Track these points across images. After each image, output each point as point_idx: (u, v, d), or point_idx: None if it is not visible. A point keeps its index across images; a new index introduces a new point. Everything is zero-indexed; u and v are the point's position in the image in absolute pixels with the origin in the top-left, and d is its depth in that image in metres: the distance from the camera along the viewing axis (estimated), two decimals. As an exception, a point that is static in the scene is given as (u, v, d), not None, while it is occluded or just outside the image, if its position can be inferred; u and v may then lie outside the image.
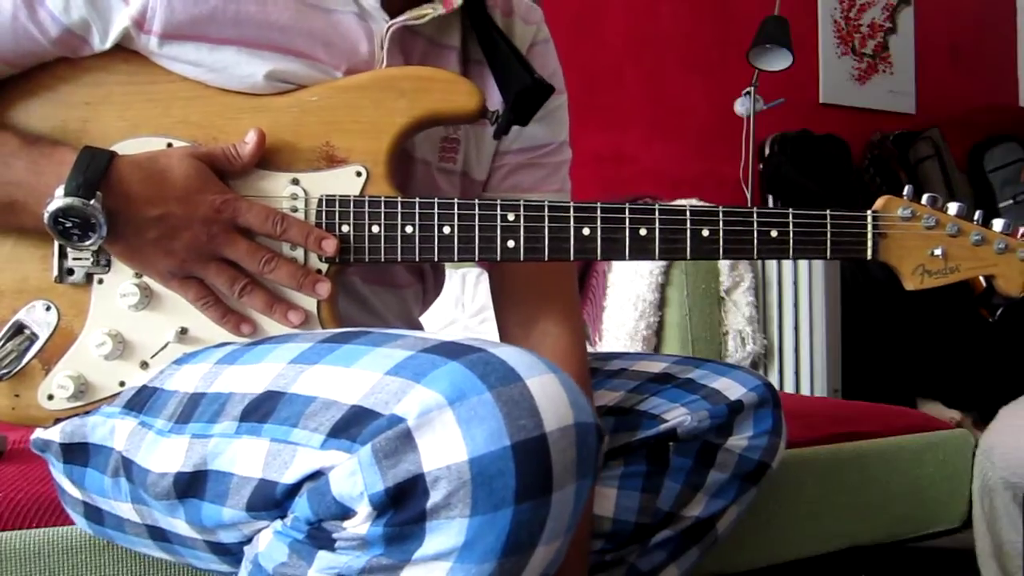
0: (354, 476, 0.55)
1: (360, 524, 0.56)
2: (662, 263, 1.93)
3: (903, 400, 2.43)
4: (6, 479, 0.92)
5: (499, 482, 0.53)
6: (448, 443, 0.53)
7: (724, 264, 2.03)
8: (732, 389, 0.90)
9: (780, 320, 2.14)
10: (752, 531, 1.20)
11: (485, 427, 0.53)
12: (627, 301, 1.94)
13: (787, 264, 2.15)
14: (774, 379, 2.14)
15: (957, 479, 1.43)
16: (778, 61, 2.66)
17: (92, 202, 0.69)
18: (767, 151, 3.06)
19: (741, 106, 2.81)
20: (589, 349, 1.00)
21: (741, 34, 2.80)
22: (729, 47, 2.99)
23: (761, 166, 3.07)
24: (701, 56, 3.07)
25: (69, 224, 0.69)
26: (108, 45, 0.76)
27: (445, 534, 0.54)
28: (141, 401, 0.73)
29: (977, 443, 1.41)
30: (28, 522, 0.85)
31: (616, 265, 2.01)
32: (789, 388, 2.13)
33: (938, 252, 0.83)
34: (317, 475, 0.58)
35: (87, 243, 0.71)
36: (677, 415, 0.88)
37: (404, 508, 0.54)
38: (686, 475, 0.90)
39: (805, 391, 2.13)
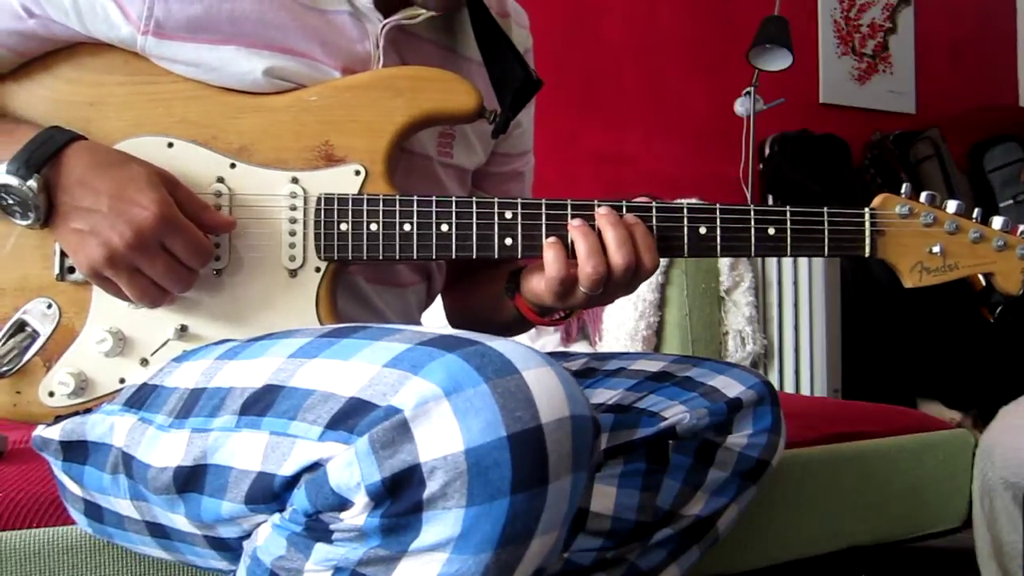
0: (351, 467, 0.55)
1: (357, 515, 0.56)
2: (662, 263, 1.93)
3: (903, 400, 2.44)
4: (6, 479, 0.92)
5: (495, 473, 0.53)
6: (444, 434, 0.53)
7: (724, 264, 2.03)
8: (730, 387, 0.90)
9: (780, 320, 2.14)
10: (752, 531, 1.20)
11: (481, 418, 0.53)
12: (627, 301, 1.94)
13: (787, 264, 2.14)
14: (774, 379, 2.14)
15: (957, 479, 1.43)
16: (778, 61, 2.66)
17: (29, 182, 0.69)
18: (767, 151, 3.07)
19: (741, 106, 2.81)
20: (589, 349, 1.00)
21: (741, 34, 2.80)
22: (729, 47, 2.99)
23: (761, 166, 3.07)
24: (701, 56, 3.07)
25: (11, 201, 0.70)
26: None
27: (441, 524, 0.54)
28: (141, 398, 0.73)
29: (977, 443, 1.41)
30: (28, 522, 0.85)
31: (616, 265, 2.01)
32: (789, 388, 2.13)
33: (936, 249, 0.83)
34: (315, 467, 0.58)
35: (25, 223, 0.71)
36: (676, 413, 0.88)
37: (400, 499, 0.54)
38: (686, 473, 0.89)
39: (805, 391, 2.13)
